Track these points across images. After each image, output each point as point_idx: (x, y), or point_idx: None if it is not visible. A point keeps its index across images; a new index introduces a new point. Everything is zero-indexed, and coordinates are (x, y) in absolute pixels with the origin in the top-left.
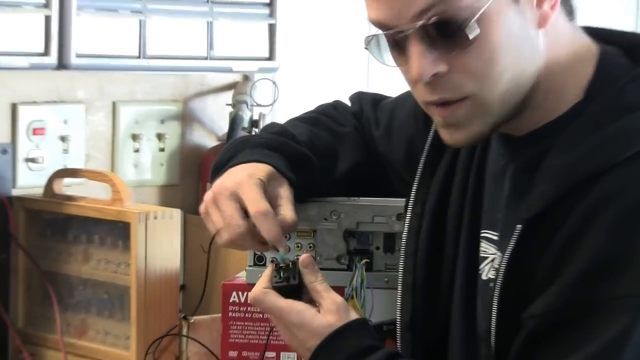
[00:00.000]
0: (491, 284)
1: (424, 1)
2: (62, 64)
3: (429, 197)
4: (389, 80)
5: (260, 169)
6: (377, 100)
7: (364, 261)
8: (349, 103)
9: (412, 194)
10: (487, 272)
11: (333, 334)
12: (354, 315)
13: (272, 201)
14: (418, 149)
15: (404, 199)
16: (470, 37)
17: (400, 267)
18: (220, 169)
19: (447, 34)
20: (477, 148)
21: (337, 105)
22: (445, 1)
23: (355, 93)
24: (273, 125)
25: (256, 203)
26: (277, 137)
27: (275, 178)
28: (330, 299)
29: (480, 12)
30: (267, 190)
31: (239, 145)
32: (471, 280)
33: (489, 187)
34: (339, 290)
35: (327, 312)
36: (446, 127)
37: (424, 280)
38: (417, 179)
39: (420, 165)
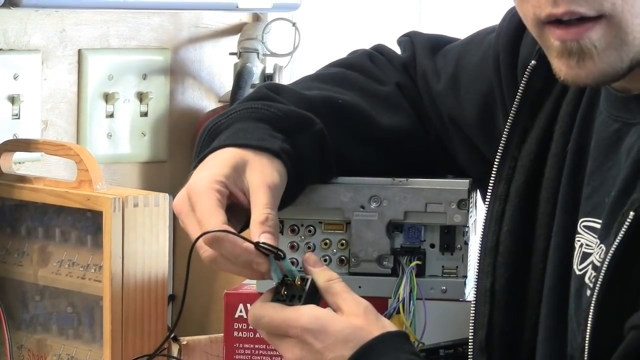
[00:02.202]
0: (589, 290)
1: None
2: (10, 0)
3: (517, 173)
4: (447, 22)
5: (222, 160)
6: (436, 43)
7: (413, 264)
8: (397, 49)
9: (494, 168)
10: (590, 274)
11: (367, 346)
12: (388, 325)
13: (248, 198)
14: (497, 105)
15: (466, 181)
16: None
17: (476, 268)
18: (194, 164)
19: None
20: (581, 106)
21: (375, 53)
22: None
23: (406, 34)
24: (257, 87)
25: (205, 224)
26: (254, 104)
27: (244, 161)
28: (353, 300)
29: None
30: (238, 184)
31: (212, 130)
32: (564, 283)
33: (595, 160)
34: (381, 302)
35: (350, 314)
36: (567, 55)
37: (506, 284)
38: (501, 147)
39: (506, 129)
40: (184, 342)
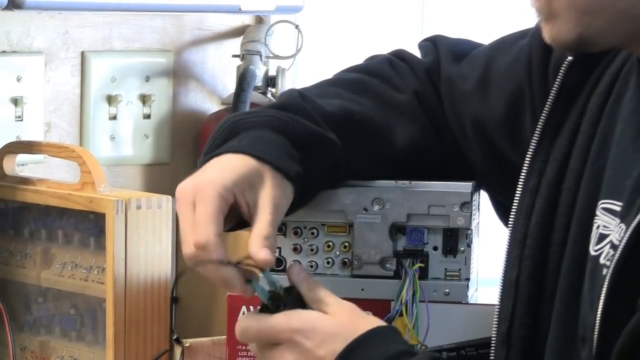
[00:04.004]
0: (605, 269)
1: None
2: (13, 2)
3: (548, 167)
4: (449, 24)
5: (237, 167)
6: (460, 50)
7: (416, 266)
8: (416, 53)
9: (526, 162)
10: (605, 254)
11: (358, 338)
12: (376, 321)
13: (251, 210)
14: (526, 105)
15: (469, 184)
16: None
17: (504, 261)
18: (207, 155)
19: None
20: (610, 99)
21: (395, 60)
22: None
23: (429, 39)
24: (289, 93)
25: (200, 229)
26: (281, 114)
27: (259, 175)
28: (336, 303)
29: None
30: (245, 195)
31: (232, 127)
32: (579, 267)
33: (618, 146)
34: (384, 305)
35: (335, 314)
36: (538, 15)
37: (530, 276)
38: (534, 142)
39: (540, 124)
40: (187, 345)
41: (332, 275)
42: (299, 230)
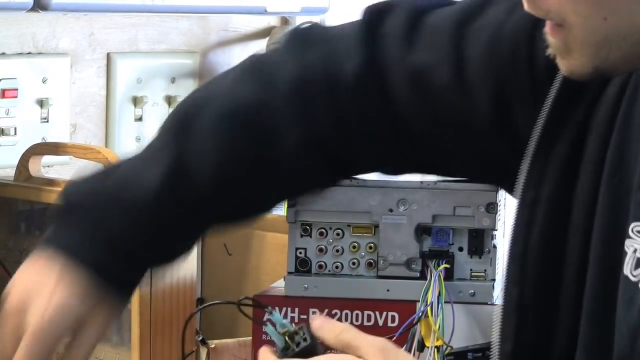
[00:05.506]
0: None
1: None
2: (39, 3)
3: (547, 178)
4: None
5: (77, 305)
6: (411, 26)
7: (442, 267)
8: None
9: (524, 173)
10: None
11: None
12: (406, 356)
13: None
14: (515, 97)
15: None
16: None
17: (504, 275)
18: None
19: None
20: (621, 109)
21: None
22: None
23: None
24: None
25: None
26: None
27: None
28: (366, 341)
29: None
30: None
31: (70, 206)
32: (609, 290)
33: None
34: (409, 305)
35: (369, 355)
36: (552, 48)
37: (536, 294)
38: (531, 151)
39: (538, 131)
40: (212, 346)
41: (357, 276)
42: (324, 231)
